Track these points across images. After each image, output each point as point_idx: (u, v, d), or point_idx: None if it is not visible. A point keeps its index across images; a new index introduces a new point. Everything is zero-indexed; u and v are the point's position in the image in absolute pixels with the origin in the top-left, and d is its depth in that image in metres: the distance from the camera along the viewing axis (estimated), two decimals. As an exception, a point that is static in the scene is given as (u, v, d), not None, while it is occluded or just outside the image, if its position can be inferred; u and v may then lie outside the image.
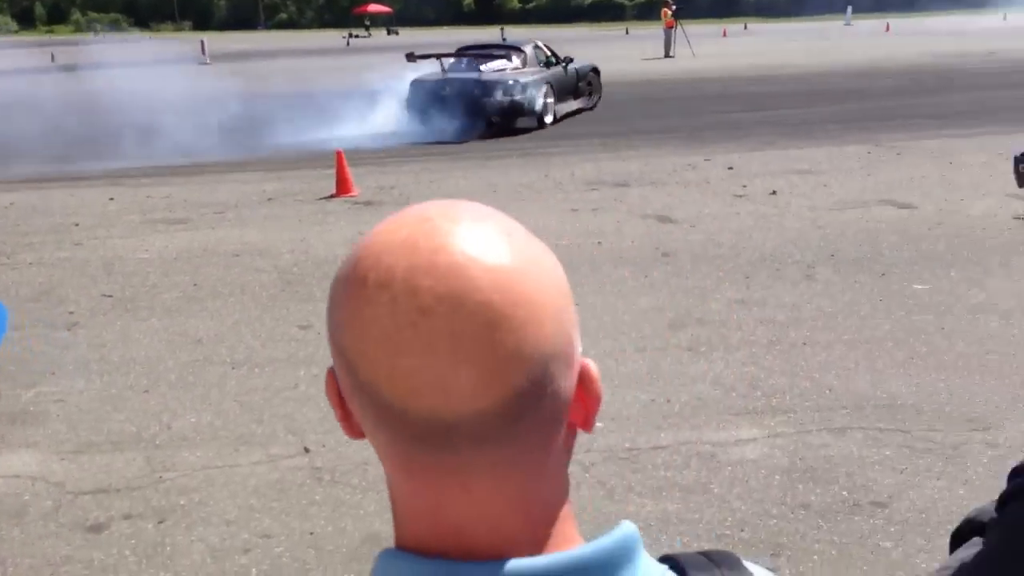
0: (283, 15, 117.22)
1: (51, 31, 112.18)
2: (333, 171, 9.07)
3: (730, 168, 9.70)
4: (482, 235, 0.55)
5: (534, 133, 13.07)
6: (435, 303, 0.52)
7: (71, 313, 5.61)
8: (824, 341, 4.96)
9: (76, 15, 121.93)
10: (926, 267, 6.13)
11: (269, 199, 8.84)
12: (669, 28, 30.65)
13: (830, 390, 4.36)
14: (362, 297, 0.54)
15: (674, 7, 31.65)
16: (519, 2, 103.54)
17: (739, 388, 4.44)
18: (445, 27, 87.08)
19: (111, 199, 9.00)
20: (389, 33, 74.51)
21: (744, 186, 8.80)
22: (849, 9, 63.36)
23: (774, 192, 8.48)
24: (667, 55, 30.00)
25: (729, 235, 7.11)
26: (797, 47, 35.10)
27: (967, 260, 6.24)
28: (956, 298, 5.51)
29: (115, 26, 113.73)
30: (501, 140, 12.48)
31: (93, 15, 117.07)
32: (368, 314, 0.53)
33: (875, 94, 16.83)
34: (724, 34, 48.01)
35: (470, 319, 0.52)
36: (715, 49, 34.19)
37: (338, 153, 9.05)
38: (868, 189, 8.50)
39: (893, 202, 7.97)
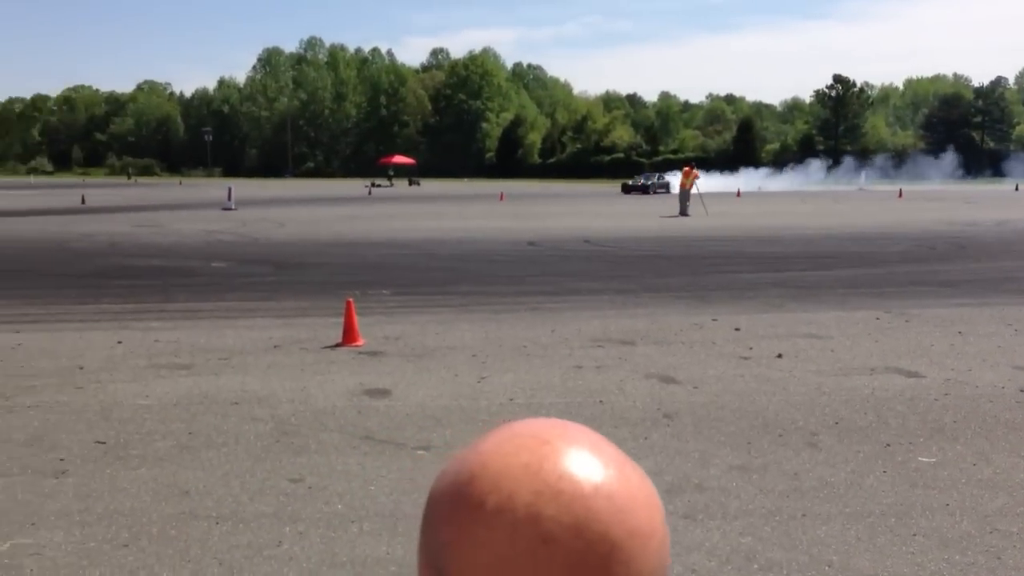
0: (310, 164, 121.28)
1: (86, 174, 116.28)
2: (342, 319, 9.13)
3: (737, 329, 9.70)
4: (601, 463, 0.56)
5: (545, 288, 13.21)
6: (559, 531, 0.52)
7: (61, 460, 5.54)
8: (825, 513, 4.82)
9: (111, 159, 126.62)
10: (932, 439, 6.01)
11: (275, 346, 8.88)
12: (685, 189, 31.48)
13: (829, 566, 4.21)
14: (478, 520, 0.53)
15: (695, 167, 32.70)
16: (539, 156, 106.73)
17: (734, 560, 4.29)
18: (465, 179, 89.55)
19: (119, 342, 9.05)
20: (411, 184, 76.56)
21: (750, 348, 8.78)
22: (863, 173, 64.94)
23: (780, 355, 8.44)
24: (683, 213, 30.63)
25: (732, 398, 7.04)
26: (809, 209, 35.78)
27: (974, 433, 6.13)
28: (962, 472, 5.38)
29: (148, 171, 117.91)
30: (513, 295, 12.60)
31: (128, 159, 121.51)
32: (484, 539, 0.53)
33: (886, 259, 17.00)
34: (738, 194, 49.08)
35: (589, 549, 0.52)
36: (729, 208, 34.89)
37: (348, 302, 9.13)
38: (875, 355, 8.45)
39: (900, 370, 7.91)
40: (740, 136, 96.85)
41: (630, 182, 59.68)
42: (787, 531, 4.61)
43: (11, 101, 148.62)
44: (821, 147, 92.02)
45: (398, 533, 4.47)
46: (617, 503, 0.54)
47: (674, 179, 59.16)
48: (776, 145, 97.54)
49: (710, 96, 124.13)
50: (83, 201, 41.83)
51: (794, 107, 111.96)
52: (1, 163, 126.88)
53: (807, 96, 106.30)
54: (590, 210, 36.08)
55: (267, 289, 13.23)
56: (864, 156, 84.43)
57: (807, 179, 71.33)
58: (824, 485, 5.23)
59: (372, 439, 5.98)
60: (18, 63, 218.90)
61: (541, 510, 0.52)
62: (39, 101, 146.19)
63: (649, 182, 58.29)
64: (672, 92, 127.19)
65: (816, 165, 75.84)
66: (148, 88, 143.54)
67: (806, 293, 12.44)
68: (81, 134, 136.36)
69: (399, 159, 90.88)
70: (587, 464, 0.55)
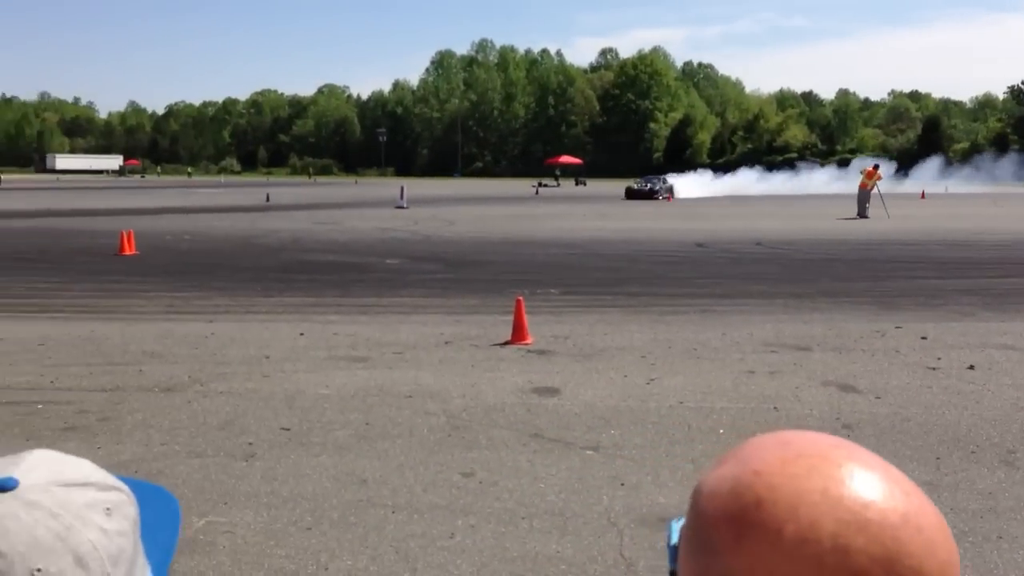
0: (478, 164, 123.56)
1: (270, 173, 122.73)
2: (511, 317, 9.22)
3: (923, 338, 9.20)
4: (901, 490, 0.52)
5: (715, 290, 12.95)
6: (869, 565, 0.49)
7: (250, 444, 5.84)
8: (1023, 536, 4.49)
9: (293, 159, 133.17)
10: None
11: (446, 342, 9.07)
12: (864, 189, 30.14)
13: (1030, 596, 3.91)
14: (776, 550, 0.51)
15: (879, 167, 31.10)
16: (708, 156, 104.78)
17: (923, 584, 4.05)
18: (632, 178, 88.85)
19: (301, 334, 9.47)
20: (577, 184, 76.78)
21: (938, 358, 8.30)
22: (1061, 174, 60.35)
23: (972, 367, 7.94)
24: (861, 215, 29.36)
25: (919, 410, 6.67)
26: (1003, 212, 33.61)
27: None
28: None
29: (326, 170, 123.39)
30: (682, 296, 12.41)
31: (308, 159, 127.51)
32: (784, 570, 0.50)
33: (1089, 265, 15.73)
34: (923, 195, 46.65)
35: None
36: (912, 211, 33.19)
37: (518, 300, 9.21)
38: (1079, 369, 7.83)
39: (1109, 385, 7.29)
40: (925, 135, 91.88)
41: (635, 186, 52.23)
42: (981, 553, 4.32)
43: (205, 105, 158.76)
44: (1016, 146, 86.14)
45: (568, 532, 4.47)
46: (926, 534, 0.50)
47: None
48: (966, 144, 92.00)
49: (892, 93, 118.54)
50: (268, 199, 44.13)
51: (986, 104, 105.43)
52: (195, 163, 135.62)
53: (1000, 92, 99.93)
54: (763, 211, 35.14)
55: (438, 286, 13.55)
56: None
57: (998, 179, 66.85)
58: (1022, 506, 4.88)
59: (541, 437, 6.01)
60: (212, 69, 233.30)
61: (849, 541, 0.49)
62: (229, 104, 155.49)
63: (656, 186, 51.10)
64: (851, 89, 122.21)
65: (1010, 164, 71.07)
66: (328, 91, 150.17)
67: (1001, 301, 11.66)
68: (266, 135, 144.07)
69: (566, 159, 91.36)
70: (889, 491, 0.51)
